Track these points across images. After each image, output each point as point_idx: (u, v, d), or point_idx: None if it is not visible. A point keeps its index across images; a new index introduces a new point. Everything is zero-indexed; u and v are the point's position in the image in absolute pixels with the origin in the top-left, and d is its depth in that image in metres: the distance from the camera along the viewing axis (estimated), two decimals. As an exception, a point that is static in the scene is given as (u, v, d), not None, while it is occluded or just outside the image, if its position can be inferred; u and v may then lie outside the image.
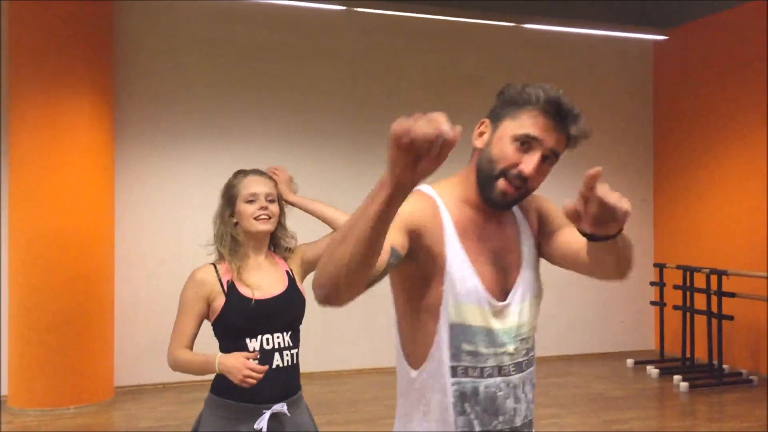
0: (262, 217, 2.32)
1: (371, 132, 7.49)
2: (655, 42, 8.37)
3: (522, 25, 7.37)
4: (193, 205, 6.84)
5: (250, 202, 2.32)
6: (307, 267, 2.40)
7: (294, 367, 2.30)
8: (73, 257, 5.91)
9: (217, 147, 6.99)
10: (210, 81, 7.02)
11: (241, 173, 2.42)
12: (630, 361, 7.72)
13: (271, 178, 2.41)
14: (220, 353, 2.22)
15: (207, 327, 2.40)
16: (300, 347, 2.34)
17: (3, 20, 6.15)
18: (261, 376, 2.07)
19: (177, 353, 2.25)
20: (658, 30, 7.87)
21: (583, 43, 8.18)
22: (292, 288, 2.34)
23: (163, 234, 6.81)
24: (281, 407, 2.24)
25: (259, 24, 7.16)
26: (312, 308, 6.39)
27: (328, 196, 7.13)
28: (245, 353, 2.13)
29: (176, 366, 2.27)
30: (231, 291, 2.26)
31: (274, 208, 2.35)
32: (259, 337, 2.24)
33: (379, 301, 7.73)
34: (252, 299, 2.24)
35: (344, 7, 6.60)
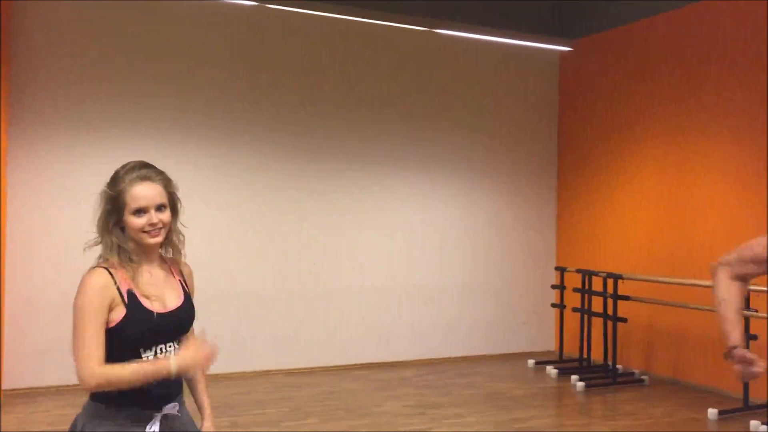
0: (153, 231, 2.20)
1: (276, 128, 7.45)
2: (561, 53, 8.66)
3: (433, 30, 7.47)
4: (89, 202, 6.58)
5: (138, 214, 2.19)
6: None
7: None
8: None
9: (116, 141, 6.75)
10: (109, 72, 6.78)
11: (127, 174, 2.22)
12: (531, 362, 7.96)
13: (161, 178, 2.25)
14: (173, 355, 2.16)
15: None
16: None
17: None
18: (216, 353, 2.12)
19: (102, 369, 2.06)
20: (564, 41, 8.14)
21: (492, 50, 8.38)
22: (188, 300, 2.32)
23: (58, 232, 6.51)
24: (173, 408, 2.22)
25: (163, 18, 6.98)
26: (218, 309, 6.32)
27: (234, 186, 6.97)
28: (197, 341, 2.14)
29: (108, 383, 2.06)
30: (132, 302, 2.16)
31: (165, 216, 2.22)
32: (154, 347, 2.19)
33: (285, 304, 7.70)
34: (154, 312, 2.17)
35: (255, 3, 6.50)
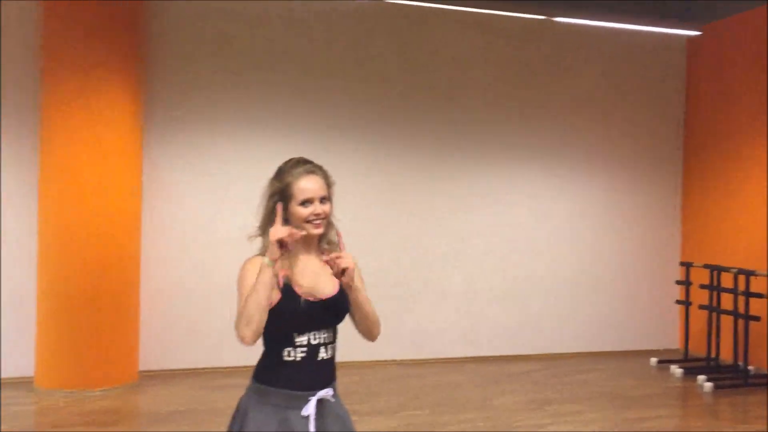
0: (317, 221, 2.33)
1: (392, 125, 7.52)
2: (689, 38, 8.26)
3: (552, 19, 7.31)
4: (219, 191, 6.93)
5: (305, 204, 2.32)
6: None
7: (333, 358, 2.42)
8: (101, 242, 5.99)
9: (246, 136, 7.04)
10: (238, 74, 7.05)
11: (294, 168, 2.36)
12: (653, 360, 7.67)
13: (323, 173, 2.40)
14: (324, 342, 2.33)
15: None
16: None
17: (43, 12, 6.22)
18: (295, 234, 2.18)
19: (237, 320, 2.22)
20: (692, 25, 7.75)
21: (614, 38, 8.10)
22: (342, 292, 2.37)
23: (190, 220, 6.88)
24: (326, 392, 2.34)
25: (284, 21, 7.18)
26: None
27: (358, 189, 7.15)
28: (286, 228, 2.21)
29: (248, 320, 2.17)
30: (287, 288, 2.29)
31: (327, 208, 2.36)
32: (307, 333, 2.30)
33: (397, 294, 7.77)
34: (306, 300, 2.28)
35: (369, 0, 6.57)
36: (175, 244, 6.81)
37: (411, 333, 7.59)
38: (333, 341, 2.39)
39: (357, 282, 2.31)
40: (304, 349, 2.29)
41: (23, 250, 6.32)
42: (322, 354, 2.33)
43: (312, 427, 2.27)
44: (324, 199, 2.36)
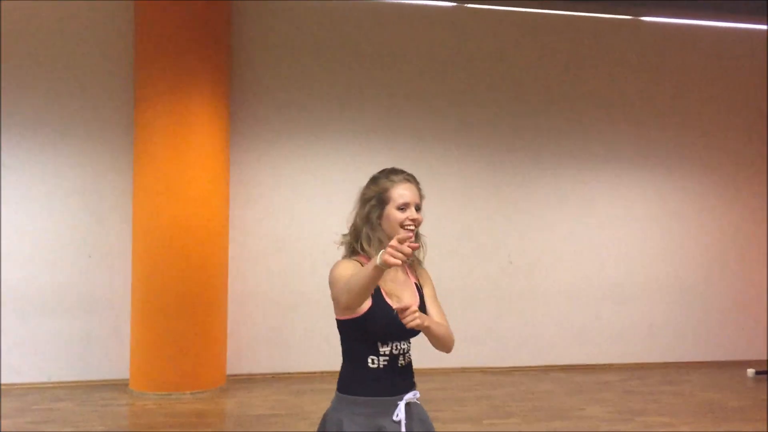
0: (411, 227, 2.36)
1: (474, 122, 7.48)
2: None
3: (640, 18, 7.14)
4: (304, 199, 7.05)
5: (402, 209, 2.36)
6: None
7: (411, 364, 2.44)
8: (191, 248, 6.19)
9: (329, 144, 7.15)
10: (324, 80, 7.17)
11: (392, 174, 2.41)
12: (750, 371, 7.33)
13: (417, 183, 2.44)
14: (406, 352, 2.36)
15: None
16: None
17: (134, 19, 6.49)
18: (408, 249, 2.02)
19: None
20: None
21: (699, 36, 7.83)
22: (422, 302, 2.41)
23: (276, 227, 7.02)
24: (413, 396, 2.37)
25: (373, 23, 7.25)
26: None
27: (445, 193, 7.09)
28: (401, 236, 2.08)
29: (350, 290, 2.14)
30: (377, 295, 2.30)
31: (419, 216, 2.39)
32: (390, 343, 2.32)
33: (482, 301, 7.68)
34: (394, 310, 2.22)
35: (454, 3, 6.57)
36: (261, 251, 6.96)
37: (497, 341, 7.51)
38: (410, 350, 2.42)
39: (427, 318, 2.24)
40: (387, 357, 2.33)
41: (119, 257, 6.59)
42: (401, 361, 2.37)
43: (403, 428, 2.30)
44: (418, 207, 2.40)
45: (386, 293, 2.34)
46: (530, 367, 7.54)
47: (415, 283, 2.46)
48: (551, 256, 7.66)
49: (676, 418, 5.73)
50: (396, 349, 2.35)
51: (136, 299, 6.26)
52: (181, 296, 6.14)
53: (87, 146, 6.64)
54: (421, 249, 2.46)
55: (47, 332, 6.51)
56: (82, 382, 6.53)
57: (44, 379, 6.48)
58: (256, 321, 6.88)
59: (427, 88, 7.40)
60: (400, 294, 2.37)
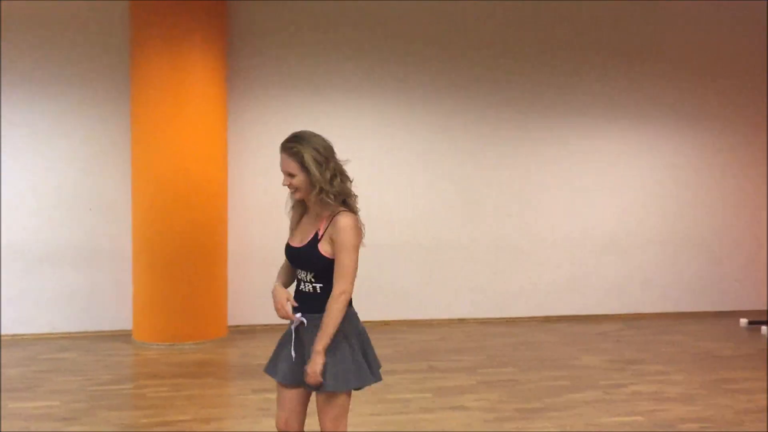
0: (291, 190, 2.83)
1: (477, 76, 7.44)
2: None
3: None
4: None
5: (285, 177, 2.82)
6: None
7: (313, 296, 2.79)
8: (191, 205, 6.23)
9: (328, 98, 7.12)
10: (324, 30, 7.10)
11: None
12: (743, 321, 7.45)
13: (286, 149, 2.80)
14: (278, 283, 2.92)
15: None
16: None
17: (125, -26, 6.40)
18: (284, 314, 2.80)
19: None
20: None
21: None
22: (311, 245, 2.77)
23: (273, 181, 7.01)
24: (299, 316, 2.80)
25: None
26: (415, 258, 6.51)
27: (449, 148, 7.04)
28: (287, 296, 2.83)
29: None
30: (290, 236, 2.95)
31: (294, 181, 2.76)
32: (299, 271, 2.85)
33: (481, 253, 7.73)
34: (288, 244, 2.88)
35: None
36: (259, 205, 7.00)
37: (495, 292, 7.61)
38: (313, 282, 2.79)
39: (316, 364, 2.66)
40: (298, 282, 2.85)
41: (120, 211, 6.64)
42: (302, 287, 2.83)
43: (292, 336, 2.87)
44: (290, 174, 2.76)
45: (293, 231, 2.91)
46: (527, 317, 7.66)
47: (317, 232, 2.76)
48: (550, 209, 7.71)
49: (671, 366, 5.85)
50: (300, 275, 2.84)
51: (137, 251, 6.32)
52: (182, 248, 6.21)
53: (85, 100, 6.62)
54: (329, 199, 2.72)
55: (51, 284, 6.60)
56: (86, 333, 6.65)
57: (49, 330, 6.59)
58: (256, 273, 6.96)
59: (427, 43, 7.34)
60: (298, 235, 2.86)
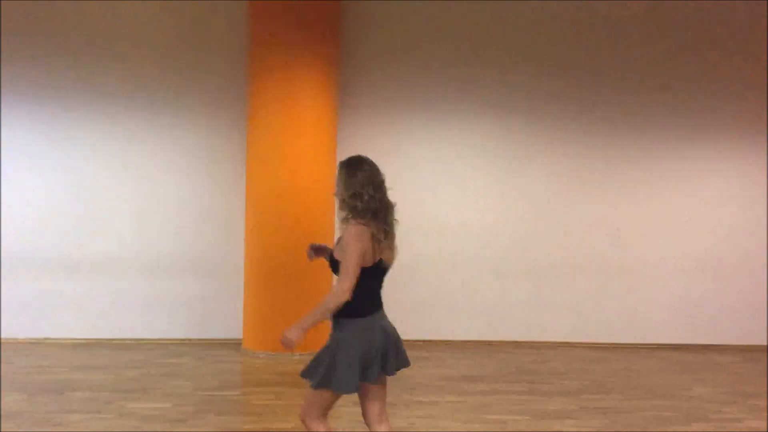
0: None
1: (578, 92, 7.31)
2: None
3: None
4: (407, 170, 7.14)
5: None
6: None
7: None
8: (300, 217, 6.45)
9: (437, 116, 7.20)
10: (432, 52, 7.20)
11: None
12: None
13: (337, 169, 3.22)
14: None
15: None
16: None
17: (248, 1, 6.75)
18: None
19: None
20: None
21: None
22: (333, 252, 3.20)
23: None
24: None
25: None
26: (513, 277, 6.40)
27: (548, 168, 6.96)
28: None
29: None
30: None
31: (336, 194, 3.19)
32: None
33: (587, 274, 7.51)
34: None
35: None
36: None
37: (603, 316, 7.40)
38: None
39: (296, 329, 3.10)
40: None
41: (233, 225, 6.97)
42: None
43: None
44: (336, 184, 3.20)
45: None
46: (635, 344, 7.39)
47: (337, 240, 3.16)
48: (661, 231, 7.43)
49: (791, 403, 5.49)
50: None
51: (249, 263, 6.60)
52: (292, 261, 6.41)
53: (204, 121, 7.01)
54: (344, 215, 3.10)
55: (170, 293, 7.00)
56: (199, 340, 7.00)
57: (165, 336, 6.98)
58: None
59: (536, 60, 7.29)
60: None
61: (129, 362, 6.16)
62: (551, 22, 7.28)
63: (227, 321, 6.99)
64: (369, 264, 3.05)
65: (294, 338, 3.01)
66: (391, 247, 3.14)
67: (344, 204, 3.10)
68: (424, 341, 7.13)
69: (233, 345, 6.85)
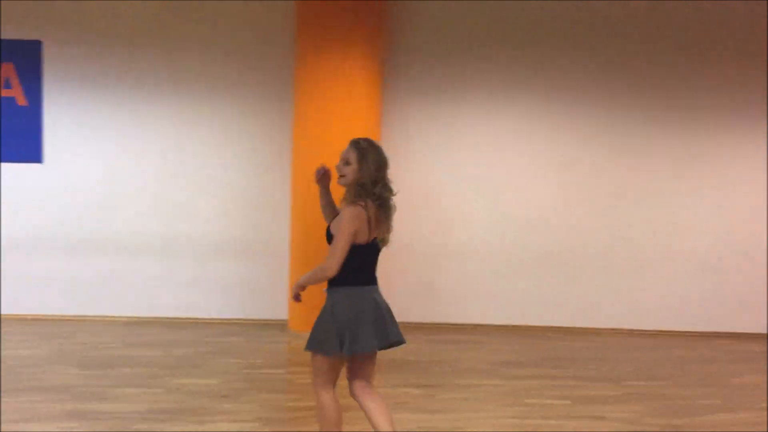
0: (339, 174, 3.35)
1: (614, 86, 7.17)
2: None
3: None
4: (450, 155, 7.14)
5: None
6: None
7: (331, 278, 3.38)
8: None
9: (477, 101, 7.16)
10: (476, 39, 7.16)
11: None
12: None
13: (359, 146, 3.32)
14: None
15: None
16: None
17: (291, -14, 6.81)
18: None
19: None
20: None
21: None
22: (329, 226, 3.41)
23: (428, 181, 7.18)
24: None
25: None
26: (564, 266, 6.30)
27: (589, 154, 6.89)
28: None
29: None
30: None
31: (347, 169, 3.28)
32: None
33: (633, 264, 7.32)
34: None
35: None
36: (411, 205, 7.16)
37: (650, 303, 7.29)
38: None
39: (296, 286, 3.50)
40: None
41: (279, 207, 7.08)
42: None
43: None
44: (347, 163, 3.28)
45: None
46: (683, 332, 7.26)
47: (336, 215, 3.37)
48: (705, 220, 7.26)
49: None
50: None
51: (295, 247, 6.72)
52: (334, 245, 6.49)
53: (253, 107, 7.13)
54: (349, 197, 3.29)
55: (220, 274, 7.17)
56: (248, 320, 7.16)
57: (216, 315, 7.17)
58: (409, 271, 7.13)
59: (576, 44, 7.18)
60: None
61: (178, 340, 6.35)
62: (612, 11, 7.15)
63: (274, 302, 7.13)
64: (363, 242, 3.22)
65: (293, 292, 3.47)
66: (389, 228, 3.32)
67: (362, 186, 3.24)
68: (471, 325, 7.15)
69: (279, 326, 6.99)
